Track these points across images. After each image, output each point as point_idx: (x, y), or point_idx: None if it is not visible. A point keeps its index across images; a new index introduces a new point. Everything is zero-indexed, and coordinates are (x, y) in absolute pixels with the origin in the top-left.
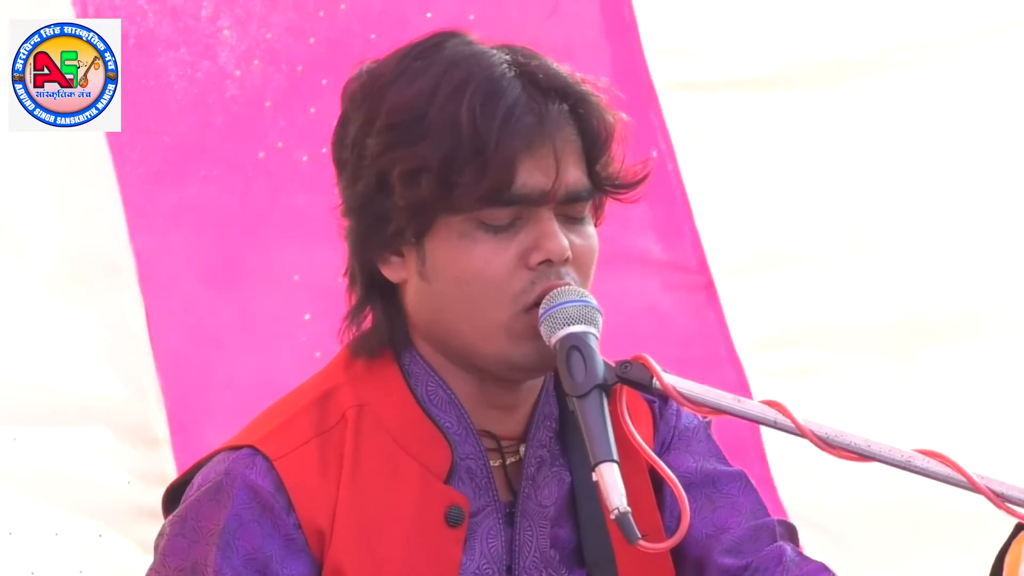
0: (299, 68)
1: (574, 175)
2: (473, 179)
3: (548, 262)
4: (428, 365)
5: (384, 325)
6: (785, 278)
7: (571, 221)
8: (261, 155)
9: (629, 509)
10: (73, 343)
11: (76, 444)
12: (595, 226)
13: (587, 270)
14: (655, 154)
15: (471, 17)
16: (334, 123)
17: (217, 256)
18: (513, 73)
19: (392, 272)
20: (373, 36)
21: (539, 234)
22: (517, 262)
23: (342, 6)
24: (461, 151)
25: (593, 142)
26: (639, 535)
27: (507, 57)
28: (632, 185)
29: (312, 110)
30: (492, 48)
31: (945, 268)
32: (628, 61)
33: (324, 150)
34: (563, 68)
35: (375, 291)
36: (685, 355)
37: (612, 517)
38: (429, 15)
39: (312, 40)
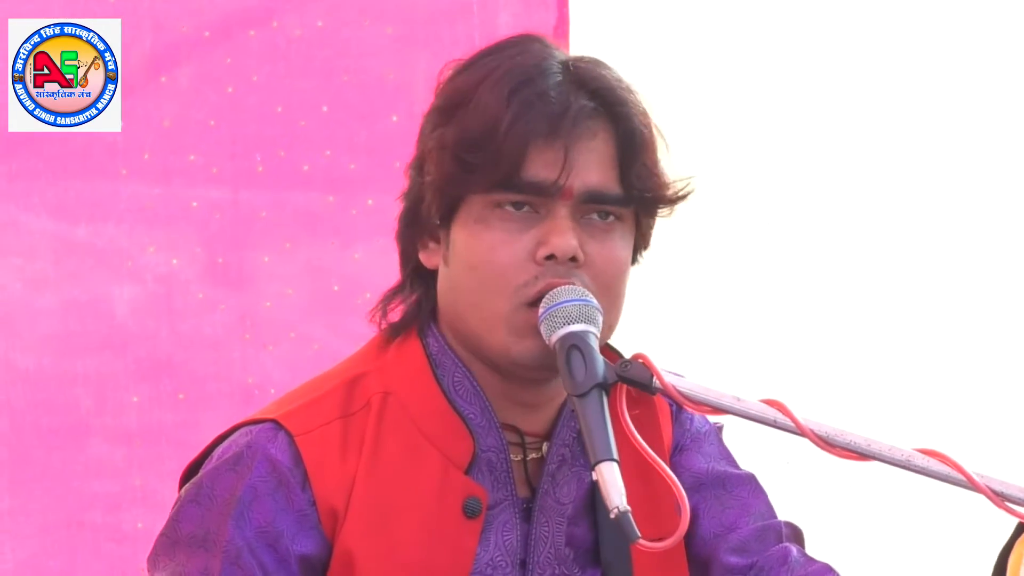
0: None
1: (596, 176)
2: (485, 160)
3: (553, 258)
4: (455, 354)
5: (413, 310)
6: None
7: (596, 229)
8: None
9: (629, 508)
10: None
11: None
12: (641, 247)
13: (606, 281)
14: None
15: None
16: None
17: None
18: (556, 70)
19: (427, 258)
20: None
21: (548, 229)
22: (525, 255)
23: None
24: (478, 131)
25: (624, 148)
26: (639, 534)
27: (562, 57)
28: (670, 200)
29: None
30: (558, 51)
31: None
32: None
33: None
34: (614, 75)
35: (416, 276)
36: None
37: (612, 516)
38: None
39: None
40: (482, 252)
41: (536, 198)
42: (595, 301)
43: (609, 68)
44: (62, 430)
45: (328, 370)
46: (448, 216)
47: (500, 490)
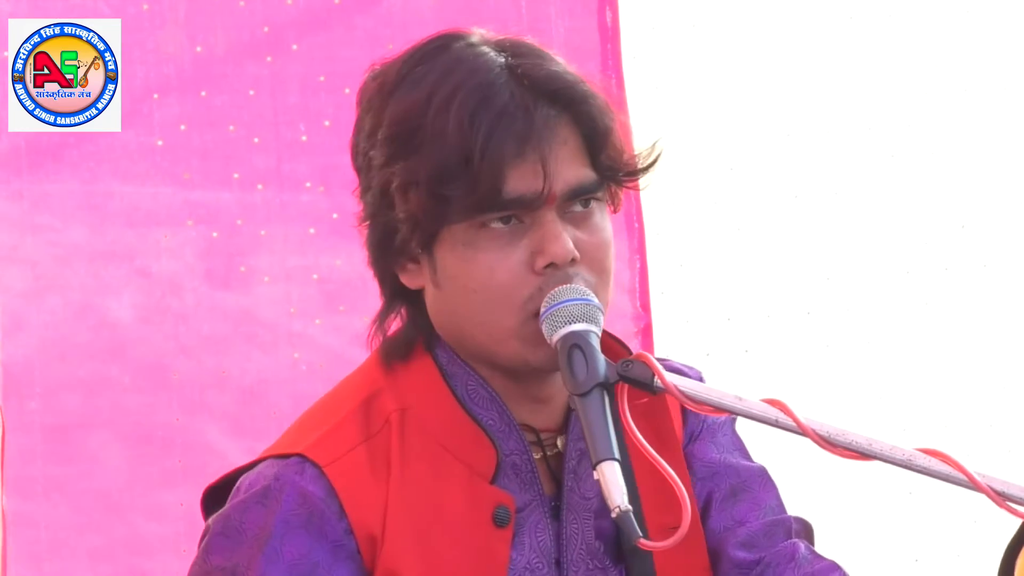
0: None
1: (573, 173)
2: (463, 190)
3: (553, 265)
4: (465, 363)
5: (412, 328)
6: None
7: (580, 217)
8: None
9: (630, 508)
10: None
11: None
12: (614, 211)
13: (600, 264)
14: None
15: None
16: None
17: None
18: (504, 79)
19: (410, 279)
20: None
21: (542, 237)
22: (523, 267)
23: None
24: (450, 163)
25: (592, 139)
26: (640, 534)
27: (502, 60)
28: (642, 171)
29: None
30: (491, 49)
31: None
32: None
33: None
34: (558, 67)
35: (399, 296)
36: None
37: (613, 516)
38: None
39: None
40: (479, 275)
41: (520, 211)
42: (596, 300)
43: (551, 59)
44: (101, 409)
45: (334, 390)
46: (429, 243)
47: (527, 491)
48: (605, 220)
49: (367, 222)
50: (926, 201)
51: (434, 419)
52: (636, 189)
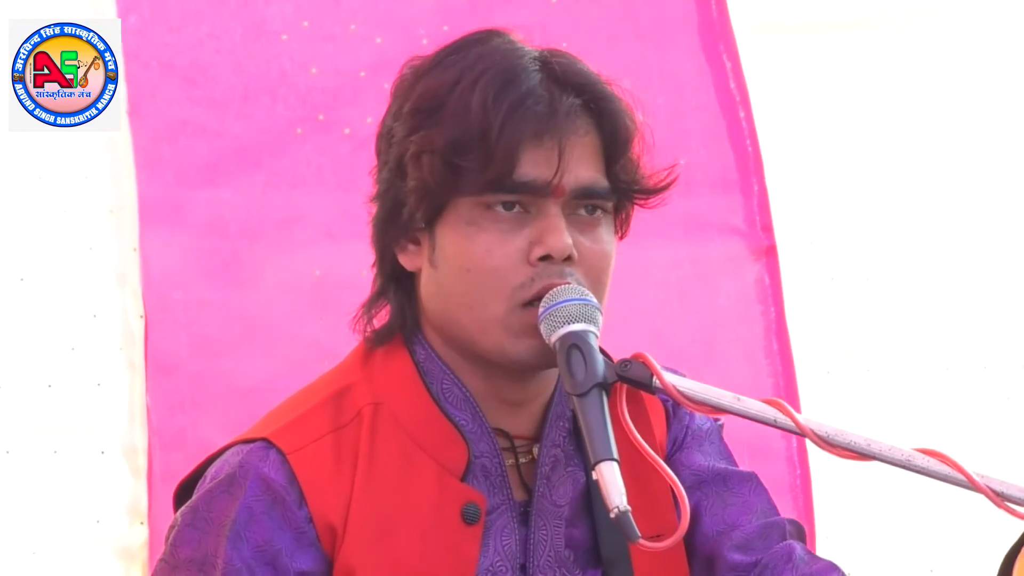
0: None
1: (587, 173)
2: (476, 163)
3: (549, 258)
4: (442, 361)
5: (397, 317)
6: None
7: (585, 223)
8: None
9: (629, 508)
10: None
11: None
12: (620, 237)
13: (597, 275)
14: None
15: None
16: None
17: (223, 258)
18: (535, 67)
19: (408, 260)
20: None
21: (543, 229)
22: (519, 255)
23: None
24: (468, 135)
25: (611, 142)
26: (639, 534)
27: (535, 53)
28: (655, 191)
29: (347, 131)
30: (528, 47)
31: None
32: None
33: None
34: (591, 69)
35: (394, 280)
36: (727, 328)
37: (612, 516)
38: None
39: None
40: (476, 255)
41: (527, 197)
42: (595, 300)
43: (583, 62)
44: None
45: (313, 382)
46: (433, 219)
47: (497, 495)
48: (610, 235)
49: (377, 200)
50: (923, 202)
51: (407, 415)
52: (647, 208)
